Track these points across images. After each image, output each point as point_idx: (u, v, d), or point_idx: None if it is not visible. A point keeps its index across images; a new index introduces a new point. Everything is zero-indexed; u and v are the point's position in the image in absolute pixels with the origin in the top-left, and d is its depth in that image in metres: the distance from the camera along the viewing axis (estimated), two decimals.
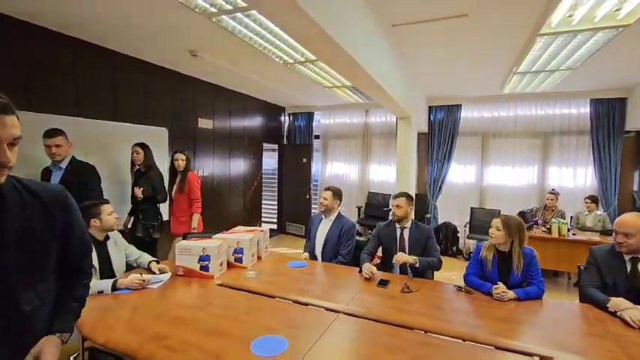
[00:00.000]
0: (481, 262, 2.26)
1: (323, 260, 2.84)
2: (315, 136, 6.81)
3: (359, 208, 6.31)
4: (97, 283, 1.95)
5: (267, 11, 1.77)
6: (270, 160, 6.88)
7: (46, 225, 0.98)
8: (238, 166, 5.61)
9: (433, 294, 2.13)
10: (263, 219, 6.51)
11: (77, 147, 2.84)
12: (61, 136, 2.63)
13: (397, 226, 2.69)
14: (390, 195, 4.92)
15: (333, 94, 5.16)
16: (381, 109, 6.14)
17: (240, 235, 2.56)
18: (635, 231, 1.89)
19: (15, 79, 2.77)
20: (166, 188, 3.61)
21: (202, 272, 2.25)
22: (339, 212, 2.99)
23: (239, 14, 2.47)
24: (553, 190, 4.77)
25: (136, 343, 1.46)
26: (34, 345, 0.96)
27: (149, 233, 3.35)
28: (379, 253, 2.78)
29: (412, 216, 2.73)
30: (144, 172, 3.36)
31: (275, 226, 6.83)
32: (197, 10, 2.42)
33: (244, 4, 2.25)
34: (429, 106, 5.92)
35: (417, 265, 2.37)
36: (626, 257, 1.97)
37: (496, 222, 2.19)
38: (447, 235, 5.58)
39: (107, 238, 2.25)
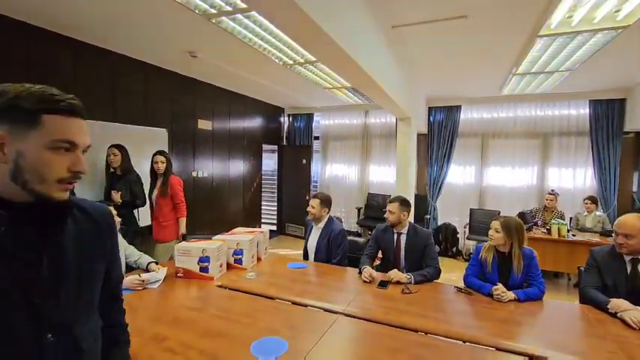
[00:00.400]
0: (481, 263, 2.26)
1: None
2: (315, 137, 6.80)
3: (358, 210, 6.31)
4: None
5: (267, 12, 1.77)
6: (269, 161, 6.86)
7: (98, 249, 0.86)
8: (238, 167, 5.60)
9: (433, 295, 2.12)
10: (263, 220, 6.50)
11: None
12: None
13: (394, 230, 2.63)
14: (390, 196, 4.92)
15: (332, 95, 5.17)
16: (380, 110, 6.14)
17: (240, 236, 2.55)
18: (635, 232, 1.89)
19: (15, 79, 2.75)
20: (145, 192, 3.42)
21: (202, 274, 2.24)
22: (330, 217, 2.93)
23: (239, 15, 2.47)
24: (552, 190, 4.76)
25: (135, 344, 1.43)
26: None
27: (131, 240, 3.20)
28: (379, 254, 2.77)
29: (408, 221, 2.64)
30: (121, 176, 3.21)
31: (275, 228, 6.82)
32: (197, 12, 2.42)
33: (244, 5, 2.25)
34: (429, 107, 5.92)
35: (412, 282, 2.23)
36: (627, 258, 1.97)
37: (495, 224, 2.19)
38: (447, 236, 5.58)
39: None
